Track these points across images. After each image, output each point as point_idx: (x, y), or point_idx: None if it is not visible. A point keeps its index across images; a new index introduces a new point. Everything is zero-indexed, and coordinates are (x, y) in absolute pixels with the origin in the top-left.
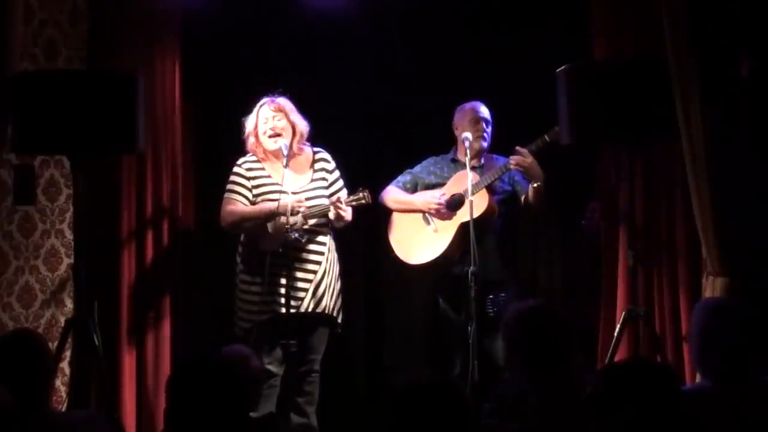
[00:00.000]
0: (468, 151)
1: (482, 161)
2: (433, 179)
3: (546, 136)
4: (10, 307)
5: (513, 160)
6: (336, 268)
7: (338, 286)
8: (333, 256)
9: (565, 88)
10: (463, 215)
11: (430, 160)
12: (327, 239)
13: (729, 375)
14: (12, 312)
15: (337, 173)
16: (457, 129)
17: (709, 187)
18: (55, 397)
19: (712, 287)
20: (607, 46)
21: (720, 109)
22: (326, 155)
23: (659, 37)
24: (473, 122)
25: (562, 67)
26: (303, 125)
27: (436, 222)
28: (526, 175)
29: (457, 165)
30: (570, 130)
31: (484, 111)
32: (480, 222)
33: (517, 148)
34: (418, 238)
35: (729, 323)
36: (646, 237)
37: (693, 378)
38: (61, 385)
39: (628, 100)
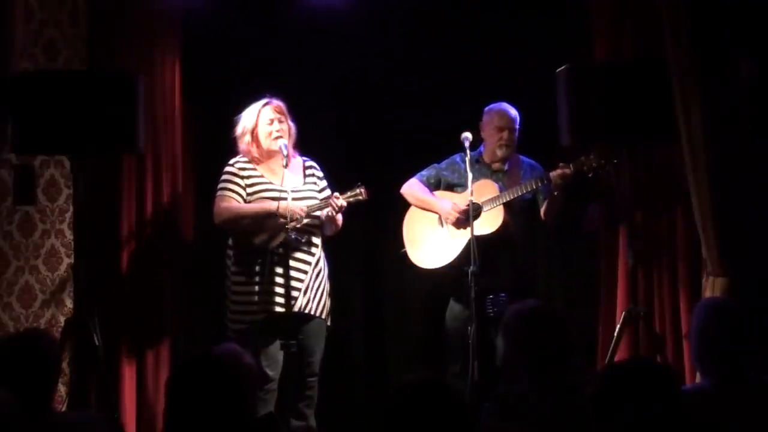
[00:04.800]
0: (468, 151)
1: (506, 166)
2: (456, 178)
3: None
4: (10, 307)
5: (558, 172)
6: (326, 270)
7: (327, 287)
8: (323, 257)
9: (565, 88)
10: (477, 227)
11: (456, 157)
12: (318, 240)
13: (729, 375)
14: (12, 312)
15: (325, 182)
16: (483, 131)
17: (709, 187)
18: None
19: (712, 287)
20: (607, 46)
21: (720, 109)
22: (315, 164)
23: (659, 37)
24: (497, 130)
25: (562, 67)
26: (294, 129)
27: (449, 228)
28: (555, 185)
29: (482, 167)
30: (570, 130)
31: (509, 118)
32: (493, 237)
33: (562, 164)
34: (430, 243)
35: (729, 323)
36: (646, 237)
37: (693, 378)
38: (61, 385)
39: (628, 100)
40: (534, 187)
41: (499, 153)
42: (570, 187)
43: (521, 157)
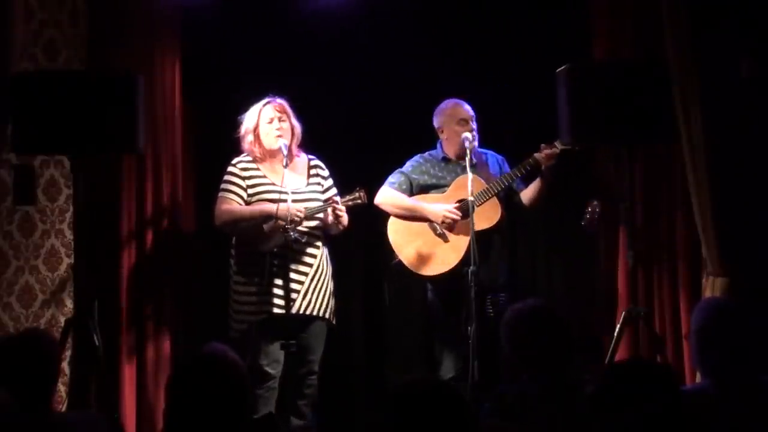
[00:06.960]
0: (468, 152)
1: (474, 160)
2: (427, 179)
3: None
4: (10, 307)
5: (545, 152)
6: (329, 270)
7: (331, 287)
8: (326, 258)
9: (565, 88)
10: (475, 223)
11: (418, 158)
12: (320, 242)
13: (729, 375)
14: (12, 312)
15: (330, 181)
16: (443, 131)
17: (709, 187)
18: (55, 397)
19: (712, 287)
20: (607, 46)
21: (720, 109)
22: (321, 163)
23: (659, 37)
24: (463, 122)
25: (562, 67)
26: (299, 128)
27: (446, 232)
28: (547, 168)
29: (449, 164)
30: (570, 130)
31: (469, 109)
32: (491, 231)
33: (544, 145)
34: (430, 249)
35: (729, 323)
36: (646, 237)
37: (693, 378)
38: (61, 385)
39: (628, 100)
40: (523, 171)
41: (470, 146)
42: (557, 166)
43: (478, 149)
